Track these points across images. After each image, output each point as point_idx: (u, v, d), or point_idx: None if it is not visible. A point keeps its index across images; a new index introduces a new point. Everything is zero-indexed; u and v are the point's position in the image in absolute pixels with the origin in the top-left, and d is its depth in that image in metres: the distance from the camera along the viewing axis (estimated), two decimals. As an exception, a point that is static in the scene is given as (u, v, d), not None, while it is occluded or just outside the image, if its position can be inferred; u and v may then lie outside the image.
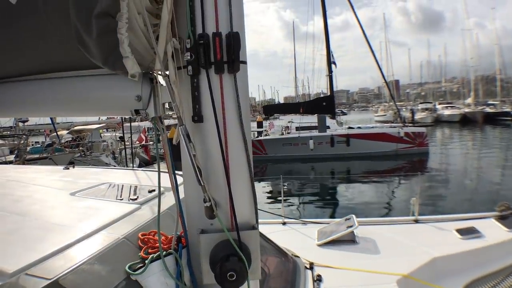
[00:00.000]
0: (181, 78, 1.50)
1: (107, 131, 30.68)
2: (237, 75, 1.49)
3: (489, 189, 16.13)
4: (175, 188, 1.59)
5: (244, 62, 1.52)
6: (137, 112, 1.57)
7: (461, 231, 4.95)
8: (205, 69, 1.45)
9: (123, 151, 19.14)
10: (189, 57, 1.43)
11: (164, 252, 1.60)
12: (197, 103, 1.48)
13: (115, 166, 19.35)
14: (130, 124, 14.78)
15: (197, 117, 1.48)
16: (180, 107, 1.45)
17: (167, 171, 1.61)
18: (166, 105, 1.60)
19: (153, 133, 1.56)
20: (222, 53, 1.43)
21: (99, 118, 28.43)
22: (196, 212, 1.56)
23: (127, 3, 1.33)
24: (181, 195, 1.63)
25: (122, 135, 19.72)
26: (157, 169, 1.76)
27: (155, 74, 1.57)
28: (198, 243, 1.54)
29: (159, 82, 1.57)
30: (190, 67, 1.45)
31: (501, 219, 5.43)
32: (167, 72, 1.48)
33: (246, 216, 1.57)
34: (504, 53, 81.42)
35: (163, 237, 1.71)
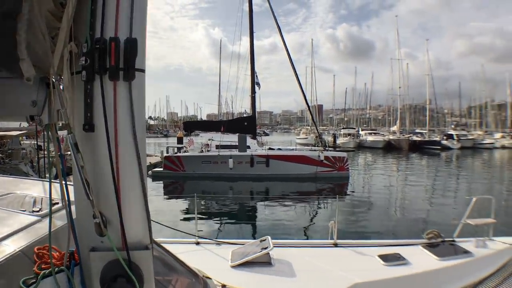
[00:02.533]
0: (76, 83, 1.46)
1: (26, 138, 29.35)
2: (133, 83, 1.46)
3: (413, 217, 16.48)
4: (67, 201, 1.55)
5: (142, 70, 1.49)
6: (32, 118, 1.55)
7: (385, 257, 4.92)
8: (99, 75, 1.41)
9: (42, 160, 18.41)
10: (83, 62, 1.40)
11: (56, 269, 1.55)
12: (89, 111, 1.43)
13: (32, 175, 18.60)
14: (48, 132, 14.28)
15: (88, 126, 1.43)
16: (71, 114, 1.43)
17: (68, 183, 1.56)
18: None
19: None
20: (118, 59, 1.40)
21: (20, 124, 27.20)
22: (87, 228, 1.49)
23: (29, 4, 1.32)
24: None
25: (40, 143, 19.00)
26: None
27: (52, 79, 1.54)
28: (88, 261, 1.49)
29: (56, 87, 1.52)
30: (84, 72, 1.41)
31: (430, 247, 5.51)
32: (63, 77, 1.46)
33: (138, 234, 1.52)
34: (435, 83, 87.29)
35: (57, 253, 1.67)
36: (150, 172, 26.03)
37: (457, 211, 15.52)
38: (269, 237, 5.20)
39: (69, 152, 1.43)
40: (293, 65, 26.92)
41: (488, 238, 5.91)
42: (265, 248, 4.84)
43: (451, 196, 22.33)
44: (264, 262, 4.78)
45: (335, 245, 5.53)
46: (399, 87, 73.86)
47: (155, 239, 1.68)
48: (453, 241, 5.81)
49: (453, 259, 5.04)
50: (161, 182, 24.45)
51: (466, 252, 5.26)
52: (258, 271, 4.57)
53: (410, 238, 6.11)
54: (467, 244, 5.69)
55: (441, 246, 5.54)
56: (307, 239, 12.07)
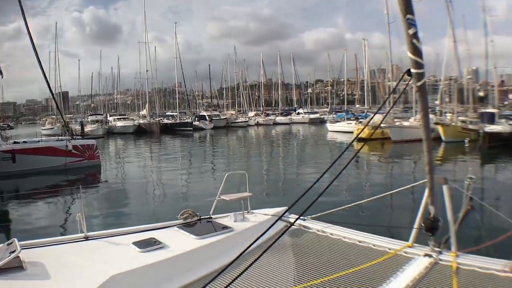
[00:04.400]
0: None
1: None
2: None
3: (170, 199, 17.04)
4: None
5: None
6: None
7: (139, 244, 4.83)
8: None
9: None
10: None
11: None
12: None
13: None
14: None
15: None
16: None
17: None
18: None
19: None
20: None
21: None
22: None
23: None
24: None
25: None
26: None
27: None
28: None
29: None
30: None
31: (187, 227, 5.56)
32: None
33: None
34: (186, 66, 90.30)
35: None
36: None
37: (214, 188, 15.62)
38: (15, 239, 4.74)
39: None
40: (35, 50, 25.86)
41: (246, 211, 6.20)
42: (13, 252, 4.38)
43: (207, 175, 23.97)
44: (15, 267, 4.32)
45: (87, 238, 5.26)
46: (147, 71, 75.20)
47: None
48: (210, 218, 6.00)
49: (212, 237, 5.15)
50: None
51: (225, 228, 5.44)
52: (10, 277, 4.13)
53: (166, 220, 5.98)
54: (226, 219, 5.93)
55: (198, 225, 5.66)
56: (59, 235, 12.08)
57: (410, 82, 3.86)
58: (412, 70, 3.73)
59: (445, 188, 4.60)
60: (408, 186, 6.02)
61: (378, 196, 6.49)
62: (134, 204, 16.54)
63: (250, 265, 3.39)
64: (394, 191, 6.31)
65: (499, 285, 3.85)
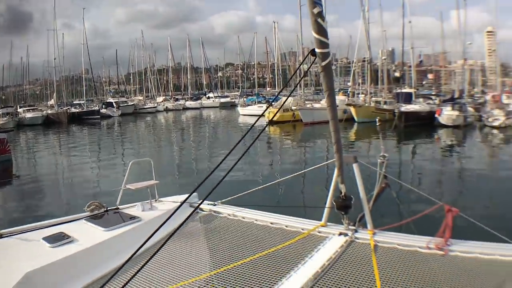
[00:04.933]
0: None
1: None
2: None
3: (80, 191, 16.78)
4: None
5: None
6: None
7: (49, 239, 4.70)
8: None
9: None
10: None
11: None
12: None
13: None
14: None
15: None
16: None
17: None
18: None
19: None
20: None
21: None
22: None
23: None
24: None
25: None
26: None
27: None
28: None
29: None
30: None
31: (94, 219, 5.42)
32: None
33: None
34: (93, 52, 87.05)
35: None
36: None
37: (122, 177, 16.09)
38: None
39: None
40: None
41: (154, 200, 6.13)
42: None
43: (115, 164, 23.74)
44: None
45: (1, 236, 5.09)
46: (54, 59, 72.32)
47: None
48: (117, 208, 5.84)
49: (119, 228, 5.06)
50: None
51: (132, 218, 5.34)
52: None
53: (74, 213, 5.82)
54: (133, 209, 5.80)
55: (105, 217, 5.51)
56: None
57: (314, 62, 3.84)
58: (317, 50, 3.69)
59: (355, 167, 4.67)
60: (318, 165, 6.10)
61: (288, 177, 6.53)
62: (46, 197, 16.27)
63: (156, 252, 3.23)
64: (304, 171, 6.40)
65: (421, 261, 3.94)
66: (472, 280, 3.53)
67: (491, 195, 14.68)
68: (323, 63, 3.73)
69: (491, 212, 12.07)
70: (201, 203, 4.37)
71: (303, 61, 4.04)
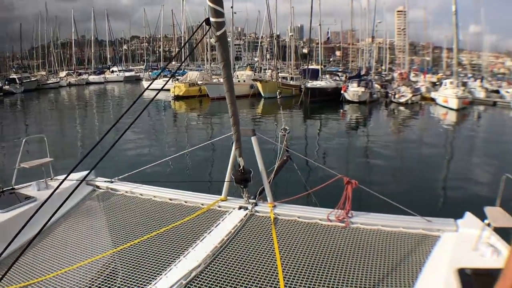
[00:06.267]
0: None
1: None
2: None
3: None
4: None
5: None
6: None
7: None
8: None
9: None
10: None
11: None
12: None
13: None
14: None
15: None
16: None
17: None
18: None
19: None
20: None
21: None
22: None
23: None
24: None
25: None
26: None
27: None
28: None
29: None
30: None
31: None
32: None
33: None
34: None
35: None
36: None
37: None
38: None
39: None
40: None
41: (50, 178, 5.90)
42: None
43: (17, 144, 22.25)
44: None
45: None
46: None
47: None
48: (13, 189, 5.62)
49: (15, 209, 4.90)
50: None
51: (28, 198, 5.17)
52: None
53: None
54: (29, 189, 5.62)
55: (2, 198, 5.29)
56: None
57: (208, 31, 3.73)
58: (211, 19, 3.56)
59: (253, 140, 4.69)
60: (216, 139, 6.09)
61: (186, 151, 6.47)
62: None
63: (39, 230, 3.15)
64: (201, 144, 6.35)
65: (322, 233, 4.02)
66: (375, 252, 3.64)
67: (394, 169, 15.46)
68: (218, 33, 3.63)
69: (394, 186, 12.66)
70: (81, 181, 4.13)
71: (197, 29, 3.92)
